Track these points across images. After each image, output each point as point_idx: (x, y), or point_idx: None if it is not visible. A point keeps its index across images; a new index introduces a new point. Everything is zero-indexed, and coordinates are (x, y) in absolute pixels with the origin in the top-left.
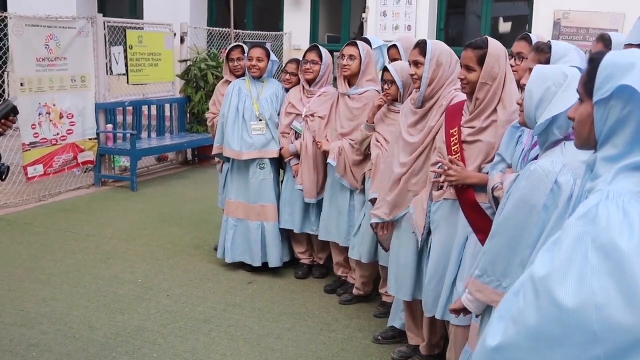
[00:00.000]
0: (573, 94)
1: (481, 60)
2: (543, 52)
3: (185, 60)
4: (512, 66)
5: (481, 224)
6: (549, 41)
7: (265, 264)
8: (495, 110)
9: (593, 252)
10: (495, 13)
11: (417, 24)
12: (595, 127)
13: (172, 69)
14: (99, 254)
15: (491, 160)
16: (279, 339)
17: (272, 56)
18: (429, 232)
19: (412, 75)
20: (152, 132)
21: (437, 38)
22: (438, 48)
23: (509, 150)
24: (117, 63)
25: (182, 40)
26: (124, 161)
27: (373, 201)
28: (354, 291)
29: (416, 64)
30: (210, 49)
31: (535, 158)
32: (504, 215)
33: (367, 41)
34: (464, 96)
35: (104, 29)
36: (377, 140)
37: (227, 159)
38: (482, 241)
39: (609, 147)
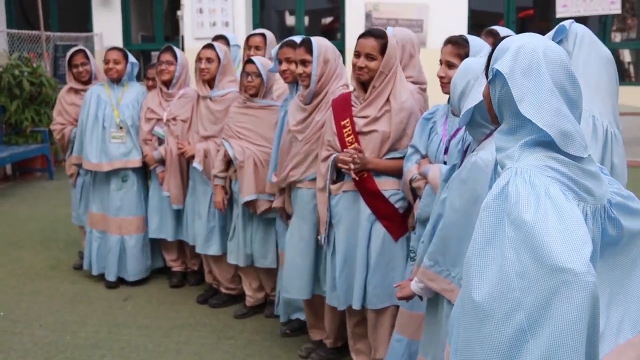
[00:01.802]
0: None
1: (383, 50)
2: (462, 47)
3: None
4: None
5: (385, 211)
6: (462, 35)
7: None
8: (388, 99)
9: (509, 226)
10: (308, 7)
11: (234, 20)
12: (492, 104)
13: None
14: None
15: (390, 150)
16: (179, 354)
17: (131, 58)
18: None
19: (300, 74)
20: None
21: None
22: (324, 45)
23: (422, 141)
24: None
25: None
26: None
27: (249, 204)
28: (247, 302)
29: (303, 62)
30: (21, 53)
31: (466, 149)
32: (450, 207)
33: (226, 38)
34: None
35: None
36: (235, 133)
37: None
38: (388, 228)
39: (503, 122)
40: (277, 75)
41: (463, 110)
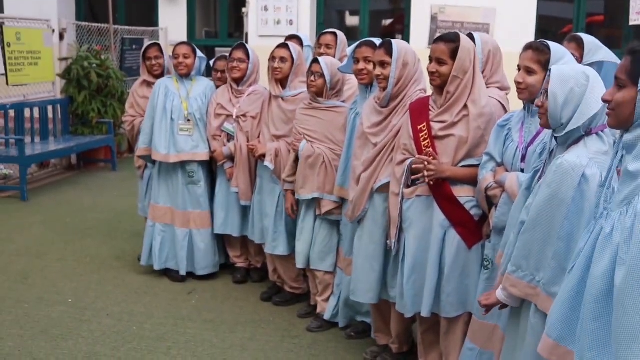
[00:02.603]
0: (600, 94)
1: (454, 54)
2: (543, 53)
3: (66, 59)
4: None
5: (460, 218)
6: (542, 41)
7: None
8: (466, 105)
9: None
10: (373, 7)
11: (299, 19)
12: (637, 110)
13: (52, 68)
14: (13, 274)
15: (467, 156)
16: (244, 350)
17: (199, 53)
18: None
19: (377, 75)
20: (36, 137)
21: (317, 32)
22: (404, 48)
23: (497, 148)
24: None
25: (61, 37)
26: (2, 169)
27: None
28: (312, 301)
29: (382, 64)
30: (91, 45)
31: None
32: (535, 211)
33: (299, 38)
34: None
35: None
36: (302, 135)
37: (154, 162)
38: (462, 235)
39: None
40: (349, 75)
41: (574, 121)
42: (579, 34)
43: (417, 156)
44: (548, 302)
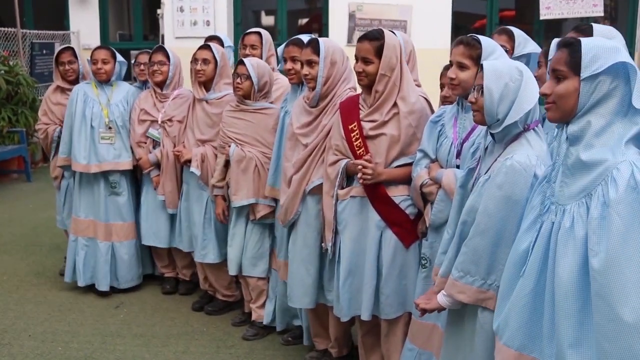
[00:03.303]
0: (535, 87)
1: (379, 52)
2: (475, 48)
3: None
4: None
5: (396, 217)
6: (472, 36)
7: None
8: (395, 103)
9: None
10: (290, 7)
11: (215, 19)
12: (580, 100)
13: None
14: None
15: (399, 154)
16: None
17: (119, 57)
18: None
19: (305, 75)
20: None
21: (236, 33)
22: (331, 46)
23: (430, 145)
24: None
25: None
26: None
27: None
28: (246, 308)
29: (310, 63)
30: None
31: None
32: (484, 215)
33: (219, 39)
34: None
35: None
36: (230, 138)
37: (73, 172)
38: (399, 235)
39: (595, 117)
40: (277, 75)
41: (511, 115)
42: (509, 27)
43: (353, 161)
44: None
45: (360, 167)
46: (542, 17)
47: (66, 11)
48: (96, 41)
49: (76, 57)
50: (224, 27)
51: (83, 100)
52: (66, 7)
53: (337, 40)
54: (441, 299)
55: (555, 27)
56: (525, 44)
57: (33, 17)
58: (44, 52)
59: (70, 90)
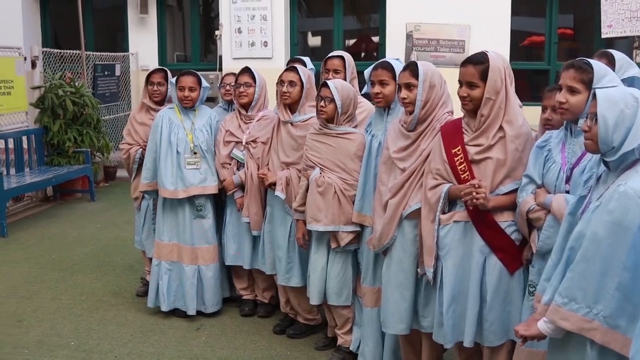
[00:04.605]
0: None
1: (484, 76)
2: (586, 72)
3: (39, 87)
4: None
5: (501, 243)
6: (583, 59)
7: None
8: (501, 126)
9: None
10: (347, 27)
11: (273, 40)
12: None
13: (25, 97)
14: (5, 317)
15: (505, 178)
16: None
17: (204, 82)
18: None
19: (403, 99)
20: (11, 169)
21: (292, 54)
22: (430, 70)
23: (536, 170)
24: None
25: (33, 65)
26: None
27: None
28: (329, 332)
29: (408, 86)
30: (63, 73)
31: (589, 180)
32: (592, 240)
33: (302, 62)
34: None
35: None
36: (311, 161)
37: (156, 195)
38: (503, 260)
39: None
40: (360, 98)
41: (622, 140)
42: (610, 50)
43: (457, 186)
44: (610, 335)
45: (469, 190)
46: (603, 36)
47: (126, 33)
48: (154, 62)
49: (167, 79)
50: (281, 48)
51: (168, 126)
52: (126, 29)
53: None
54: (542, 326)
55: (615, 46)
56: (628, 67)
57: (93, 39)
58: (106, 73)
59: (155, 110)
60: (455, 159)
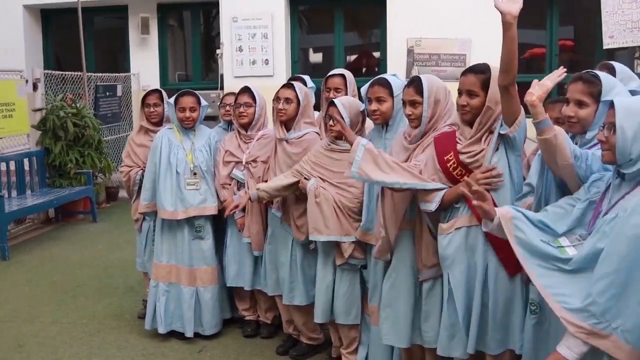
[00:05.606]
0: None
1: (485, 85)
2: (594, 84)
3: (41, 109)
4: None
5: (503, 241)
6: (590, 72)
7: None
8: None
9: None
10: (348, 43)
11: (274, 58)
12: None
13: (27, 120)
14: (5, 342)
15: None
16: None
17: (203, 102)
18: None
19: (409, 115)
20: (12, 191)
21: (293, 71)
22: (434, 85)
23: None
24: None
25: (34, 87)
26: None
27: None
28: (333, 352)
29: (413, 103)
30: (64, 94)
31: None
32: (615, 255)
33: (302, 80)
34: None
35: None
36: (318, 172)
37: (155, 216)
38: (503, 261)
39: None
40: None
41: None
42: (611, 62)
43: (466, 179)
44: (625, 350)
45: (486, 175)
46: (605, 47)
47: (127, 54)
48: (156, 82)
49: (162, 100)
50: (282, 66)
51: (168, 147)
52: (127, 50)
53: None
54: (566, 353)
55: (616, 57)
56: (628, 80)
57: (95, 60)
58: (107, 94)
59: (153, 132)
60: (448, 164)
